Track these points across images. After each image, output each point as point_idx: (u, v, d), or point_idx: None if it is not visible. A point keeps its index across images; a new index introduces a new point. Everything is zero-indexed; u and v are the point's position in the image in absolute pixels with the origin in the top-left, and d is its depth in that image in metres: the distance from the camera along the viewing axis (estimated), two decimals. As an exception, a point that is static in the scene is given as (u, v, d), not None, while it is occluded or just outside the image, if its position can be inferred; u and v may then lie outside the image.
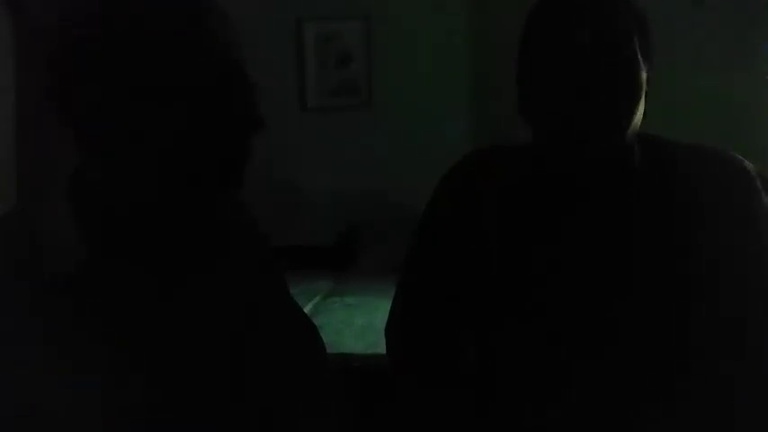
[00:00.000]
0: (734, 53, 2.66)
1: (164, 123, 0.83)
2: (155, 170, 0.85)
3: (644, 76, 1.09)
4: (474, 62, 2.98)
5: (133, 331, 0.85)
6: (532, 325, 1.18)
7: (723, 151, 1.20)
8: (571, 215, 1.17)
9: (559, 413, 1.16)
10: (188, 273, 0.92)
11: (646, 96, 1.13)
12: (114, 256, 0.86)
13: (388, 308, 1.39)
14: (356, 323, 2.20)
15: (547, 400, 1.17)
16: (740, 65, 2.66)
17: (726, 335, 1.13)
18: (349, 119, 3.09)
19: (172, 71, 0.83)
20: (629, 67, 1.08)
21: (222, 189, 0.89)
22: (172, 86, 0.83)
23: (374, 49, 3.06)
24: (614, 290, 1.15)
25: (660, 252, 1.14)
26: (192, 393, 0.88)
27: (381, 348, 1.40)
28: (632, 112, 1.09)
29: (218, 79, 0.85)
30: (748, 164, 1.19)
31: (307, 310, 1.96)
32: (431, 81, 2.99)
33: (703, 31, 2.65)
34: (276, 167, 2.88)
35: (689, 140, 1.23)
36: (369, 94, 3.08)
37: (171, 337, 0.88)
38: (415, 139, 2.96)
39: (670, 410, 1.12)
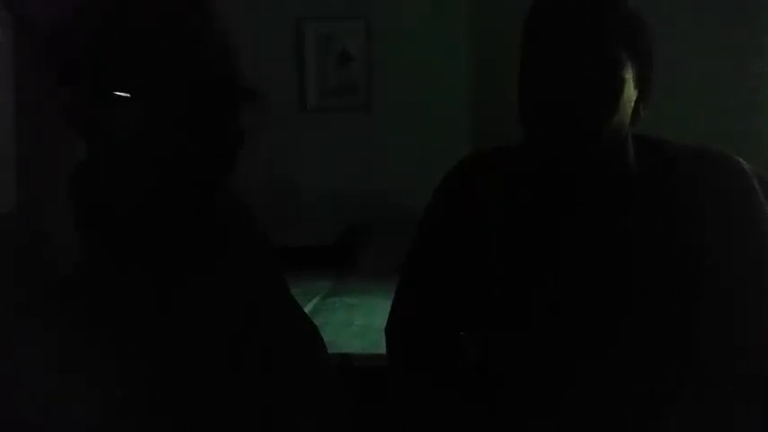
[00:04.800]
0: (734, 52, 2.66)
1: (163, 120, 0.83)
2: (154, 164, 0.85)
3: (627, 74, 1.10)
4: (474, 62, 2.98)
5: (133, 331, 0.85)
6: (532, 326, 1.18)
7: (720, 152, 1.20)
8: (569, 216, 1.18)
9: (561, 413, 1.16)
10: (188, 272, 0.92)
11: (646, 95, 1.14)
12: (115, 256, 0.86)
13: (388, 308, 1.39)
14: (356, 323, 2.19)
15: (547, 401, 1.17)
16: (740, 63, 2.66)
17: (726, 335, 1.13)
18: (349, 119, 3.08)
19: (171, 69, 0.83)
20: (607, 65, 1.09)
21: (218, 173, 0.89)
22: (171, 84, 0.83)
23: (374, 49, 3.06)
24: (614, 290, 1.15)
25: (659, 253, 1.14)
26: (192, 393, 0.88)
27: (381, 348, 1.40)
28: (611, 109, 1.10)
29: (215, 76, 0.85)
30: (746, 164, 1.19)
31: (307, 310, 1.96)
32: (431, 81, 2.99)
33: (703, 31, 2.65)
34: (276, 167, 2.87)
35: (688, 141, 1.24)
36: (369, 94, 3.08)
37: (171, 337, 0.88)
38: (415, 139, 2.95)
39: (672, 411, 1.12)
